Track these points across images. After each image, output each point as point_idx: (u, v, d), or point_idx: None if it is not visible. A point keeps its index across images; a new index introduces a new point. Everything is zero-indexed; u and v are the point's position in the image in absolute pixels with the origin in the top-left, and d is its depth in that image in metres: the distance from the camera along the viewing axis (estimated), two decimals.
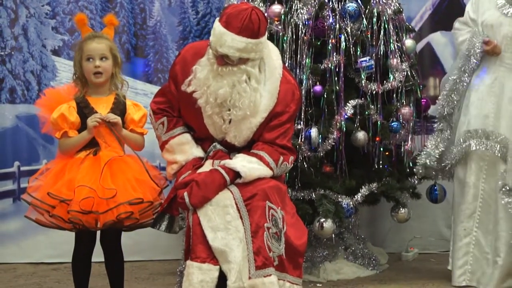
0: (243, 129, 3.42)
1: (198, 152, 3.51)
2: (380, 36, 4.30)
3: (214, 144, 3.49)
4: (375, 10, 4.30)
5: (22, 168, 5.02)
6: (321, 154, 4.20)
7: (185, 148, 3.51)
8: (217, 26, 3.34)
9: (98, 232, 3.49)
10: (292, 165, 3.54)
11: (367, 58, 4.24)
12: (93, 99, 3.51)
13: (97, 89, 3.52)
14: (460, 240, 4.03)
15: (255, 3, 4.25)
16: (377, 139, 4.30)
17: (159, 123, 3.54)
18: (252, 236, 3.26)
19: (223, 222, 3.27)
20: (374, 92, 4.26)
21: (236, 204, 3.31)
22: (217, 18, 3.40)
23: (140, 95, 5.00)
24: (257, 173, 3.38)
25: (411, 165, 4.36)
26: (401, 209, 4.36)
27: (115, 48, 3.55)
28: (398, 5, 4.42)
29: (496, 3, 4.09)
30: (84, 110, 3.47)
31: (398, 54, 4.33)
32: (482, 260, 4.00)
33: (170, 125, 3.54)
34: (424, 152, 4.14)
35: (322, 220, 4.12)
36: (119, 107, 3.50)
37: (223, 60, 3.34)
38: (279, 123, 3.45)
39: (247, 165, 3.35)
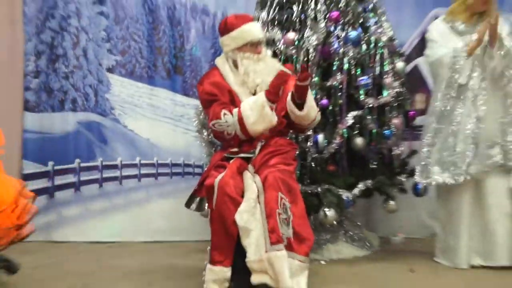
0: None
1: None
2: (376, 59, 4.43)
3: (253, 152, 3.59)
4: (372, 38, 4.46)
5: (82, 165, 5.27)
6: (326, 156, 4.34)
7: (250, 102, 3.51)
8: (232, 33, 3.54)
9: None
10: (317, 119, 3.71)
11: (365, 77, 4.38)
12: None
13: None
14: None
15: (274, 31, 4.43)
16: (373, 144, 4.40)
17: (223, 114, 3.51)
18: (267, 217, 3.42)
19: (249, 208, 3.44)
20: (370, 105, 4.39)
21: (258, 192, 3.46)
22: (221, 37, 3.61)
23: (178, 106, 5.26)
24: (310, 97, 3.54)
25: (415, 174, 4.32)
26: (391, 201, 4.46)
27: None
28: (391, 34, 4.55)
29: (458, 32, 4.10)
30: None
31: (391, 74, 4.47)
32: None
33: (228, 108, 3.55)
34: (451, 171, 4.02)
35: (326, 209, 4.24)
36: None
37: (256, 48, 3.57)
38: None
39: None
